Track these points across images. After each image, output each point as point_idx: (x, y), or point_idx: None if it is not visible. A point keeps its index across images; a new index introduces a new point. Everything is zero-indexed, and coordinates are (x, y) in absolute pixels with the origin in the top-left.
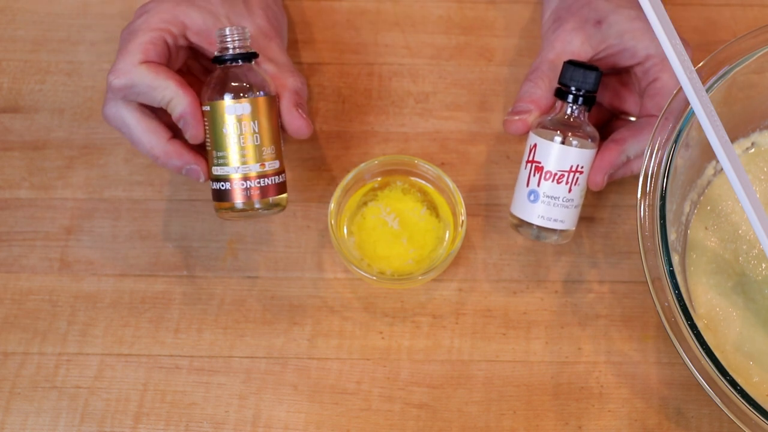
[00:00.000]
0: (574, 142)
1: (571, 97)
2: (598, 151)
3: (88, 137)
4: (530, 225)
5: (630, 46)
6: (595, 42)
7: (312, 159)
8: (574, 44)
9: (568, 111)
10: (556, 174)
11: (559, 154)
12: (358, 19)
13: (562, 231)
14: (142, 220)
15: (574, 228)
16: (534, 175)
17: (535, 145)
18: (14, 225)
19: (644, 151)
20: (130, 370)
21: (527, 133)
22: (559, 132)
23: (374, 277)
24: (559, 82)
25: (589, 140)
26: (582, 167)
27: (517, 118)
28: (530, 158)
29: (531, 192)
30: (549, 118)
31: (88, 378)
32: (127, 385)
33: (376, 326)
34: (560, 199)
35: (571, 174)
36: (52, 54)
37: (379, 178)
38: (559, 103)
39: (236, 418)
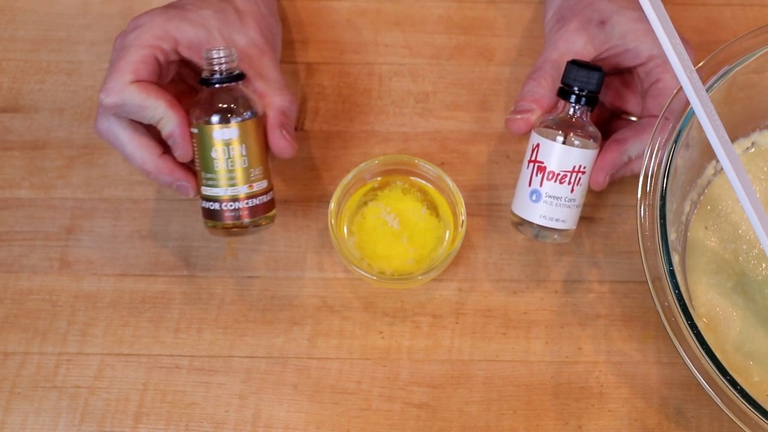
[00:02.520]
0: (576, 142)
1: (573, 97)
2: (600, 151)
3: (88, 137)
4: (531, 224)
5: (633, 46)
6: (598, 42)
7: (312, 159)
8: (577, 44)
9: (571, 111)
10: (558, 174)
11: (562, 155)
12: (358, 19)
13: (562, 230)
14: (142, 220)
15: (574, 227)
16: (536, 174)
17: (537, 145)
18: (14, 225)
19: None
20: (130, 369)
21: (529, 132)
22: (561, 132)
23: (374, 277)
24: (562, 82)
25: (591, 140)
26: (584, 167)
27: (519, 117)
28: (532, 158)
29: (533, 192)
30: (551, 117)
31: (88, 378)
32: (127, 384)
33: (376, 326)
34: (562, 199)
35: (574, 174)
36: (52, 54)
37: (379, 178)
38: (561, 102)
39: (236, 417)
